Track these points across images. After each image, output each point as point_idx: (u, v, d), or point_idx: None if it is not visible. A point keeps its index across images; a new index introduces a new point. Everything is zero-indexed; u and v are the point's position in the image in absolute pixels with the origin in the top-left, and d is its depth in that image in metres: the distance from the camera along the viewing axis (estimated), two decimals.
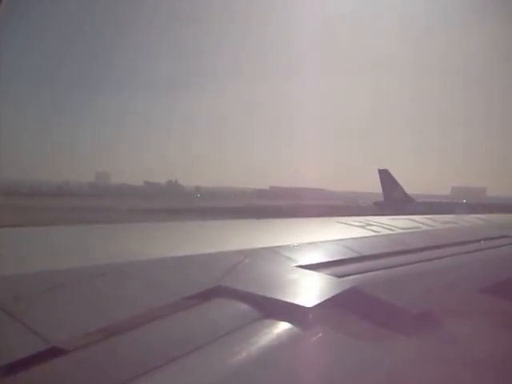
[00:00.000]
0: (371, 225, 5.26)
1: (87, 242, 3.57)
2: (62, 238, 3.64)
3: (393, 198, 63.01)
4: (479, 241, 5.60)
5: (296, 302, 2.65)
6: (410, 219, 6.35)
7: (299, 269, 3.30)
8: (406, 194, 66.22)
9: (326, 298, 2.81)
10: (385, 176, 67.25)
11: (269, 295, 2.68)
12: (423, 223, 6.11)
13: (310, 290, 3.07)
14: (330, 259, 3.63)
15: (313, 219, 6.13)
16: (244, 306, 2.54)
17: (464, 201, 64.44)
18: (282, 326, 2.41)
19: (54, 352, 1.84)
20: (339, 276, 3.30)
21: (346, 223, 5.34)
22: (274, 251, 3.56)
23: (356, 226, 5.19)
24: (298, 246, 3.85)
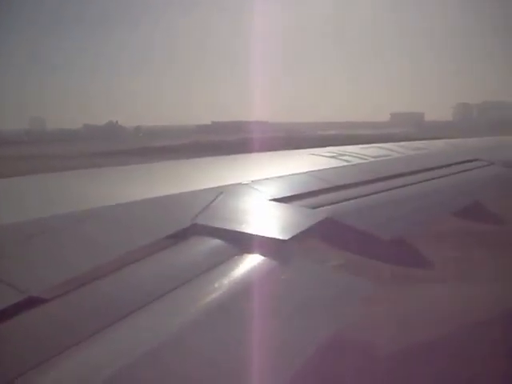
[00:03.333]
0: (343, 155, 5.24)
1: (51, 190, 3.43)
2: (15, 190, 3.47)
3: None
4: (450, 165, 5.64)
5: (272, 235, 2.65)
6: (381, 147, 6.33)
7: (273, 202, 3.28)
8: None
9: (301, 229, 2.81)
10: None
11: (245, 230, 2.67)
12: (395, 150, 6.11)
13: (285, 223, 3.07)
14: (304, 191, 3.61)
15: (284, 152, 6.08)
16: (221, 243, 2.52)
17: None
18: (260, 261, 2.42)
19: (33, 302, 1.81)
20: (313, 207, 3.32)
21: (318, 154, 5.32)
22: (247, 186, 3.52)
23: (328, 156, 5.17)
24: (271, 179, 3.81)
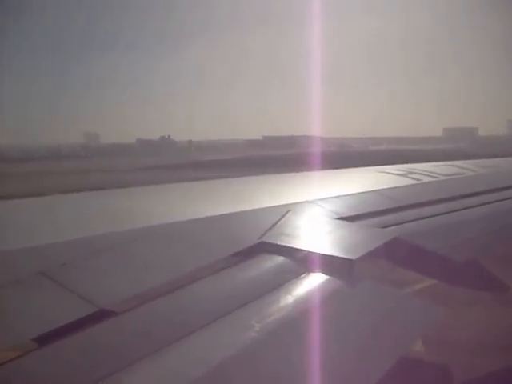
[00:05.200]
0: (413, 173, 5.14)
1: (114, 206, 3.45)
2: (82, 205, 3.54)
3: None
4: None
5: (339, 254, 2.60)
6: (452, 165, 6.18)
7: (341, 221, 3.24)
8: None
9: (369, 249, 2.75)
10: None
11: (312, 249, 2.63)
12: (466, 168, 5.94)
13: (352, 242, 3.00)
14: (373, 210, 3.55)
15: (350, 169, 5.96)
16: (288, 261, 2.51)
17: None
18: (327, 280, 2.39)
19: (104, 314, 1.84)
20: (382, 227, 3.27)
21: (386, 172, 5.21)
22: (314, 204, 3.48)
23: (397, 174, 5.06)
24: (338, 197, 3.76)
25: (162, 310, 1.98)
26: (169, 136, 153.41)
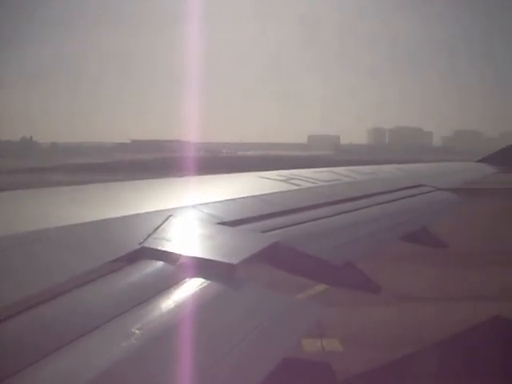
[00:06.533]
0: (293, 178, 5.29)
1: None
2: None
3: None
4: (398, 190, 5.86)
5: (221, 259, 2.62)
6: (331, 171, 6.43)
7: (223, 226, 3.25)
8: None
9: (250, 253, 2.81)
10: None
11: (194, 254, 2.63)
12: (344, 175, 6.22)
13: (234, 247, 3.02)
14: (254, 215, 3.61)
15: (233, 175, 5.99)
16: (170, 267, 2.48)
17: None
18: (210, 285, 2.39)
19: None
20: (263, 231, 3.33)
21: (267, 178, 5.31)
22: (196, 209, 3.47)
23: (278, 180, 5.17)
24: (220, 202, 3.78)
25: (38, 320, 1.89)
26: (31, 137, 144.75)
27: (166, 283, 2.30)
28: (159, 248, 2.61)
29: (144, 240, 2.67)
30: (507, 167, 10.64)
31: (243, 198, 4.09)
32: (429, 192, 6.33)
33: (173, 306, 2.15)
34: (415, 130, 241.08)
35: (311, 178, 5.44)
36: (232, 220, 3.38)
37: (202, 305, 2.25)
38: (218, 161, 56.54)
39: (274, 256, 3.13)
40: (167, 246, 2.65)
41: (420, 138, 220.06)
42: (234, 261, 2.60)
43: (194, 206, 3.51)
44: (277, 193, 4.50)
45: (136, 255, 2.52)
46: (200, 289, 2.33)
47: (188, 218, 3.28)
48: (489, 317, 8.78)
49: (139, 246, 2.59)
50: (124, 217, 3.03)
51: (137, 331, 1.89)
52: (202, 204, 3.59)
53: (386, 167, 8.26)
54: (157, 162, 51.69)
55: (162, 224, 2.97)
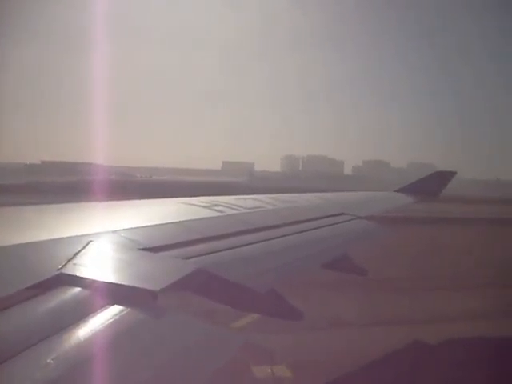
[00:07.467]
0: (217, 205, 5.29)
1: None
2: None
3: None
4: (319, 219, 5.99)
5: (142, 286, 2.58)
6: (254, 199, 6.47)
7: (144, 252, 3.20)
8: None
9: (172, 280, 2.77)
10: None
11: (114, 281, 2.57)
12: (267, 202, 6.29)
13: (156, 274, 2.99)
14: (176, 241, 3.56)
15: (155, 200, 5.95)
16: (89, 294, 2.41)
17: None
18: (130, 312, 2.34)
19: None
20: (186, 258, 3.30)
21: (191, 204, 5.29)
22: (117, 235, 3.38)
23: (202, 206, 5.16)
24: (141, 228, 3.72)
25: None
26: None
27: (85, 311, 2.23)
28: (78, 274, 2.53)
29: (62, 266, 2.59)
30: (424, 197, 11.25)
31: (166, 223, 4.04)
32: (349, 220, 6.50)
33: (90, 334, 2.08)
34: (327, 159, 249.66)
35: (234, 205, 5.47)
36: (154, 246, 3.32)
37: (121, 333, 2.19)
38: (132, 185, 55.42)
39: (196, 283, 3.11)
40: (87, 273, 2.58)
41: (332, 166, 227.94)
42: (156, 288, 2.56)
43: (114, 232, 3.42)
44: (200, 219, 4.48)
45: (53, 282, 2.43)
46: (120, 316, 2.27)
47: (109, 244, 3.20)
48: (408, 342, 9.16)
49: (57, 272, 2.51)
50: (40, 241, 2.92)
51: (51, 361, 1.83)
52: (123, 229, 3.51)
53: (308, 196, 8.45)
54: (69, 184, 49.84)
55: (81, 249, 2.89)
